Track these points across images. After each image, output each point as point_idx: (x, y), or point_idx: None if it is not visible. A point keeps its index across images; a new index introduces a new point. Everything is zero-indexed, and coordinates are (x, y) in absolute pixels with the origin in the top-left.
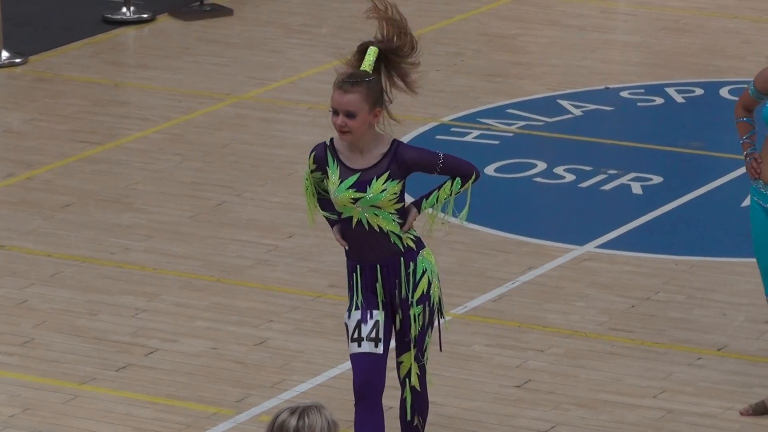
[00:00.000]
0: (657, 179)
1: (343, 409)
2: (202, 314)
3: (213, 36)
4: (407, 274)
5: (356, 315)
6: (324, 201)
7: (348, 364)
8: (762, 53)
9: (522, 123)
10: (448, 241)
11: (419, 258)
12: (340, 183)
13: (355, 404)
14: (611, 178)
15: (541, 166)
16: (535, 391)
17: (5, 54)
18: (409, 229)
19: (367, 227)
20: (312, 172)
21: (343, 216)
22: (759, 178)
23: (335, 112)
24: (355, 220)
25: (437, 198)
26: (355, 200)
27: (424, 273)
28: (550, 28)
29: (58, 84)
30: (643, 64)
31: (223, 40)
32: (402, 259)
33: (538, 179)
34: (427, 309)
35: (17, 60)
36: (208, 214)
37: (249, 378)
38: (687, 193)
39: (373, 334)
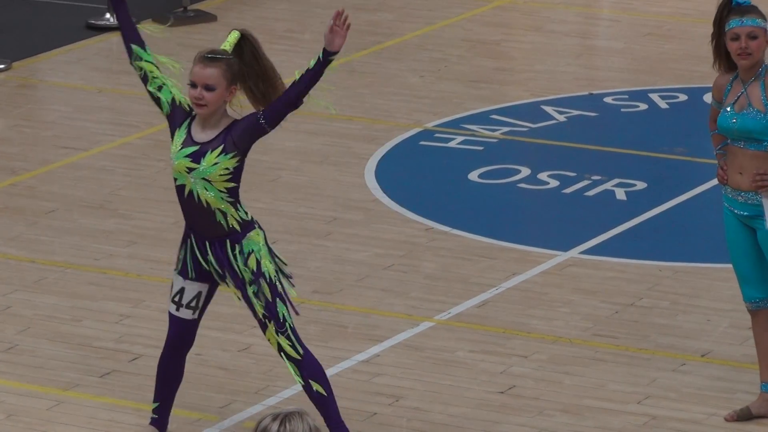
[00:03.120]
0: (641, 185)
1: None
2: None
3: (196, 42)
4: (234, 257)
5: (181, 280)
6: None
7: (334, 369)
8: None
9: (506, 129)
10: (432, 248)
11: (245, 241)
12: (180, 149)
13: (164, 350)
14: (595, 183)
15: (525, 172)
16: (519, 397)
17: None
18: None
19: (197, 200)
20: (166, 114)
21: (177, 183)
22: (727, 184)
23: (193, 85)
24: (187, 190)
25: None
26: (190, 170)
27: (250, 254)
28: (534, 34)
29: (42, 90)
30: (627, 70)
31: (206, 46)
32: (228, 241)
33: (522, 185)
34: (265, 284)
35: (0, 66)
36: None
37: (233, 384)
38: (671, 198)
39: (192, 303)
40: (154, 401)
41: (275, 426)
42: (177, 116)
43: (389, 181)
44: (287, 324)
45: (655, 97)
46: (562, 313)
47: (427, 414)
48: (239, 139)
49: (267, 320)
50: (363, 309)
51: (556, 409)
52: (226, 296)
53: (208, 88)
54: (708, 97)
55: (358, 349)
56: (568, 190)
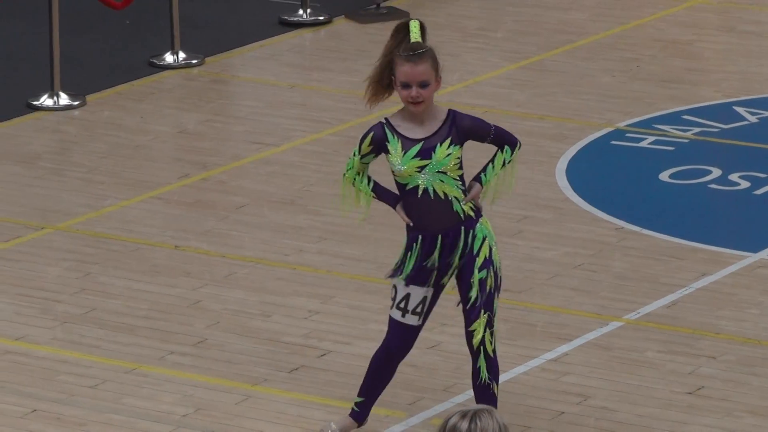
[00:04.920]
0: None
1: (514, 413)
2: (375, 317)
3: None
4: (466, 242)
5: (405, 287)
6: (379, 188)
7: (522, 368)
8: None
9: (697, 129)
10: (622, 247)
11: (478, 226)
12: (404, 154)
13: (381, 352)
14: None
15: (716, 172)
16: (707, 398)
17: (182, 55)
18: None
19: (432, 195)
20: (363, 156)
21: (408, 187)
22: None
23: (406, 86)
24: (420, 189)
25: (494, 168)
26: (421, 168)
27: (484, 239)
28: (727, 34)
29: (234, 85)
30: None
31: None
32: (462, 227)
33: (713, 186)
34: (491, 273)
35: (194, 61)
36: (382, 217)
37: (421, 381)
38: None
39: (418, 309)
40: (359, 395)
41: (465, 423)
42: (379, 138)
43: (580, 180)
44: (494, 320)
45: None
46: (751, 315)
47: (615, 414)
48: (465, 136)
49: (482, 310)
50: (552, 308)
51: (744, 411)
52: None
53: (423, 84)
54: None
55: (547, 348)
56: (759, 192)
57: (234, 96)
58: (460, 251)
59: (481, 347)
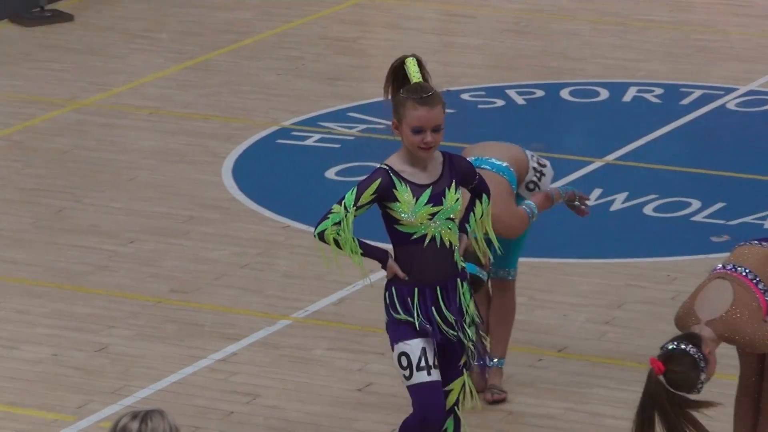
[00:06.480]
0: None
1: (184, 414)
2: (43, 321)
3: (53, 42)
4: (461, 295)
5: (418, 343)
6: (365, 245)
7: (191, 369)
8: (602, 55)
9: (363, 126)
10: (289, 246)
11: (467, 281)
12: (416, 201)
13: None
14: None
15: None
16: (376, 394)
17: None
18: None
19: (438, 244)
20: (360, 207)
21: (413, 237)
22: None
23: (419, 130)
24: (428, 238)
25: (475, 218)
26: (432, 215)
27: (471, 294)
28: (391, 31)
29: None
30: (484, 66)
31: (63, 45)
32: (458, 280)
33: None
34: (478, 330)
35: None
36: (49, 221)
37: (89, 384)
38: None
39: (434, 362)
40: None
41: (135, 424)
42: (386, 185)
43: (246, 179)
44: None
45: (512, 93)
46: None
47: (284, 412)
48: (461, 178)
49: (464, 371)
50: (220, 307)
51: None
52: (82, 296)
53: (437, 129)
54: (565, 93)
55: (215, 348)
56: None
57: None
58: (457, 305)
59: (455, 407)
